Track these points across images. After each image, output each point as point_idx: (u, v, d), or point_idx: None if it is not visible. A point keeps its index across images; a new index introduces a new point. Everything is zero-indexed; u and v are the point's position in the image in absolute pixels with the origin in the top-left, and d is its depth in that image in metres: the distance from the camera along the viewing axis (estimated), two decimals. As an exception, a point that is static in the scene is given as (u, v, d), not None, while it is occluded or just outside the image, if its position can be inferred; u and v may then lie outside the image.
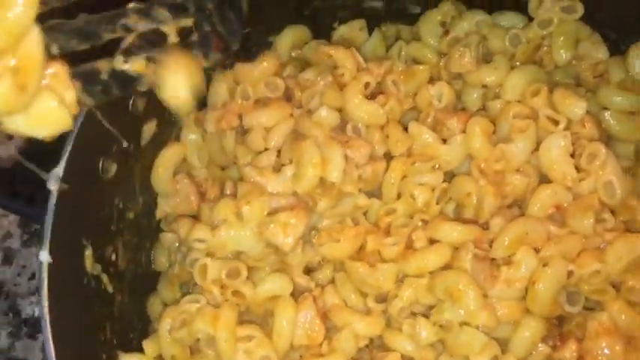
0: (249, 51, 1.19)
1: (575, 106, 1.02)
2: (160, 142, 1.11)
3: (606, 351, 0.94)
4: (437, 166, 1.04)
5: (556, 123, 1.01)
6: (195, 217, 1.10)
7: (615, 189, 0.98)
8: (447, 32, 1.15)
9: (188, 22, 0.66)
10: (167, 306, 1.06)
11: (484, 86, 1.10)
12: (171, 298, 1.11)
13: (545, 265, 0.95)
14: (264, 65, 1.13)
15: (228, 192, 1.09)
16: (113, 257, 1.04)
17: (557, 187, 0.99)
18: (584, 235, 0.97)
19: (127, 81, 0.64)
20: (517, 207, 1.04)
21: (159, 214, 1.14)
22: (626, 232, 0.98)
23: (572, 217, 0.98)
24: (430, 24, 1.18)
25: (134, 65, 0.64)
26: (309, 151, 1.00)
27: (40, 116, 0.55)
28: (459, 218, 1.03)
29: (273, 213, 0.99)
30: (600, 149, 0.98)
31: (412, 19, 1.23)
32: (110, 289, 1.02)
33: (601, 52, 1.11)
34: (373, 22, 1.25)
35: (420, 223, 1.03)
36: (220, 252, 1.00)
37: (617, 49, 1.11)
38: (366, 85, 1.07)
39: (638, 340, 0.95)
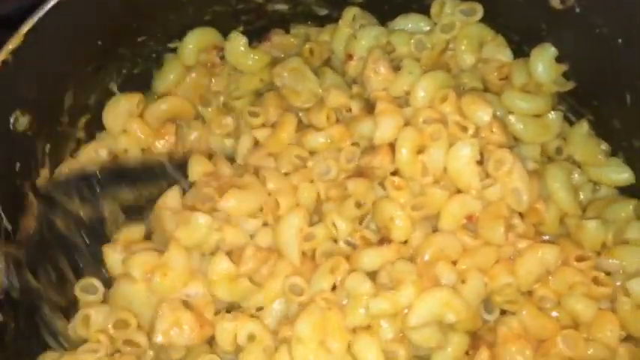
0: (149, 58, 1.14)
1: (482, 112, 1.01)
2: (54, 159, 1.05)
3: (517, 357, 0.94)
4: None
5: (465, 129, 1.00)
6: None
7: (522, 195, 0.97)
8: (350, 56, 1.13)
9: None
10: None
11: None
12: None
13: (463, 281, 0.94)
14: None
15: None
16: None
17: (466, 198, 0.98)
18: (497, 244, 0.97)
19: None
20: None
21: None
22: (535, 242, 0.98)
23: (483, 227, 0.98)
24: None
25: None
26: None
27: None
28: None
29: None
30: (507, 156, 0.97)
31: (320, 21, 1.21)
32: (-1, 317, 0.96)
33: (505, 55, 1.10)
34: (279, 24, 1.21)
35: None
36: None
37: (521, 51, 1.10)
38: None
39: (548, 344, 0.95)
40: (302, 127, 1.11)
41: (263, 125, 1.13)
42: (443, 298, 0.93)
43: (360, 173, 1.03)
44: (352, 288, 0.95)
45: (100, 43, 1.03)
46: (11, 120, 0.94)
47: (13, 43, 0.89)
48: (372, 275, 0.97)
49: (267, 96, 1.16)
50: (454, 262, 0.97)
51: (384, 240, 1.00)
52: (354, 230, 1.01)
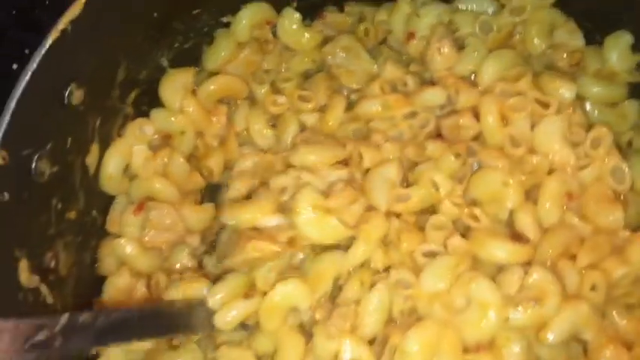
0: (201, 32, 1.09)
1: (564, 89, 0.97)
2: (103, 135, 1.00)
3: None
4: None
5: (546, 106, 0.96)
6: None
7: (624, 174, 0.94)
8: (411, 35, 1.08)
9: None
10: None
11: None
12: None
13: (593, 288, 0.89)
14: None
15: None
16: (53, 264, 0.93)
17: (564, 176, 0.94)
18: (611, 231, 0.92)
19: None
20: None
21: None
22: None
23: (592, 211, 0.93)
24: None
25: None
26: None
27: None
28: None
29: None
30: (605, 133, 0.94)
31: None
32: (50, 299, 0.91)
33: (578, 40, 1.06)
34: (334, 2, 1.17)
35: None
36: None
37: (592, 38, 1.06)
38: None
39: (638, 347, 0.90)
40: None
41: (312, 110, 1.08)
42: (584, 312, 0.87)
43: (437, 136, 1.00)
44: (479, 295, 0.88)
45: (155, 14, 0.98)
46: (66, 93, 0.89)
47: (72, 12, 0.84)
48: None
49: (316, 78, 1.12)
50: (573, 257, 0.91)
51: (517, 236, 0.93)
52: (454, 191, 0.95)
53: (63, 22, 0.84)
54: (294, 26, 1.12)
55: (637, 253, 0.91)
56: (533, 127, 0.96)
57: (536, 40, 1.05)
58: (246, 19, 1.10)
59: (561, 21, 1.06)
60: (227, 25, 1.11)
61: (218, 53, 1.10)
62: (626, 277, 0.90)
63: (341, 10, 1.18)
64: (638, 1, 0.96)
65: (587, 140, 0.94)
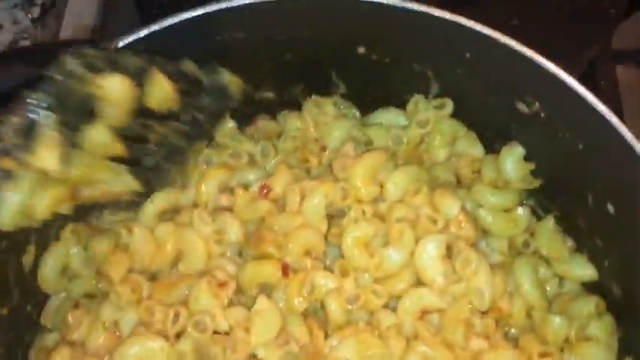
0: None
1: (450, 205, 1.06)
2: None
3: None
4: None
5: (435, 222, 1.04)
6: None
7: (485, 297, 1.01)
8: (323, 148, 1.17)
9: None
10: None
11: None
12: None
13: None
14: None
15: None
16: (-17, 348, 1.01)
17: (424, 292, 1.02)
18: (457, 346, 1.00)
19: None
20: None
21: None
22: (492, 343, 1.01)
23: (445, 327, 1.01)
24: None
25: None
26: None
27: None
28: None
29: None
30: (472, 256, 1.01)
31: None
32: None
33: (476, 150, 1.16)
34: (267, 111, 1.27)
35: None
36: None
37: (493, 146, 1.16)
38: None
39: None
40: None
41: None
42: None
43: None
44: None
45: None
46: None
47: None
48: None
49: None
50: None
51: None
52: None
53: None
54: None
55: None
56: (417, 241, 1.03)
57: (439, 150, 1.16)
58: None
59: (463, 132, 1.17)
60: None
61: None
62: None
63: (273, 117, 1.29)
64: (525, 116, 1.06)
65: (457, 260, 1.02)
